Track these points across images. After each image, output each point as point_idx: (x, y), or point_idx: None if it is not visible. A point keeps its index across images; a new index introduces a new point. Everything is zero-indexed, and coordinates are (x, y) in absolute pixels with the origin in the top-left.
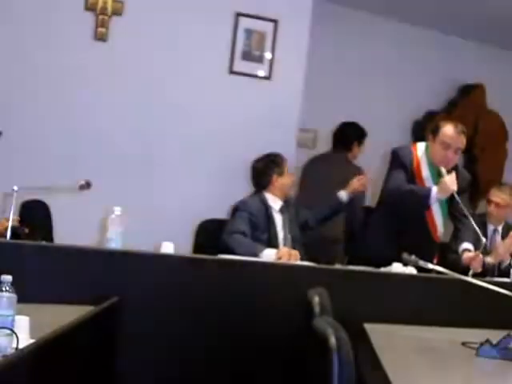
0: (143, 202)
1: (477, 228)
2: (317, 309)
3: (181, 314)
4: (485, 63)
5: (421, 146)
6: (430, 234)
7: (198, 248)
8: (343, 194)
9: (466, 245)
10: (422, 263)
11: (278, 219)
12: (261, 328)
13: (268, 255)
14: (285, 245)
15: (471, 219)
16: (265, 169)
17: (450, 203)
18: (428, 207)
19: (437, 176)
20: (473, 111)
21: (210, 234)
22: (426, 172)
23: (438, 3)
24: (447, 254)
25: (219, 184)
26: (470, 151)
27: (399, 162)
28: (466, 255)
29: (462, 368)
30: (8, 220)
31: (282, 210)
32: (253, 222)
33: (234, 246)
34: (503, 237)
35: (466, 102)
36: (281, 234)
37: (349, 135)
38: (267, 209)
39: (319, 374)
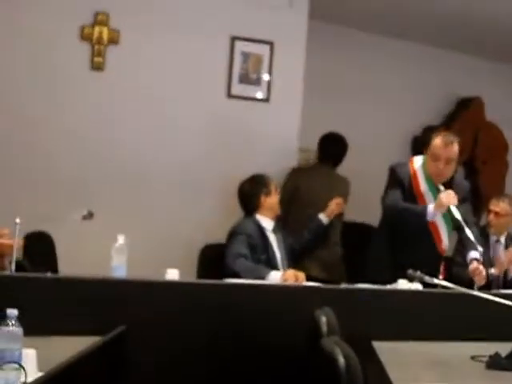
0: (144, 229)
1: (471, 236)
2: (324, 329)
3: (189, 341)
4: (482, 76)
5: (418, 161)
6: (436, 247)
7: (201, 274)
8: (323, 217)
9: (474, 253)
10: (427, 279)
11: (273, 239)
12: (268, 351)
13: (274, 278)
14: (283, 264)
15: (466, 228)
16: (252, 191)
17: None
18: (427, 223)
19: (435, 190)
20: (472, 124)
21: (213, 259)
22: (423, 186)
23: (432, 19)
24: (452, 267)
25: (220, 208)
26: (471, 164)
27: (395, 178)
28: (472, 266)
29: (472, 381)
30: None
31: (274, 231)
32: (251, 244)
33: (240, 271)
34: (507, 247)
35: (464, 116)
36: (278, 254)
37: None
38: (262, 230)
39: None
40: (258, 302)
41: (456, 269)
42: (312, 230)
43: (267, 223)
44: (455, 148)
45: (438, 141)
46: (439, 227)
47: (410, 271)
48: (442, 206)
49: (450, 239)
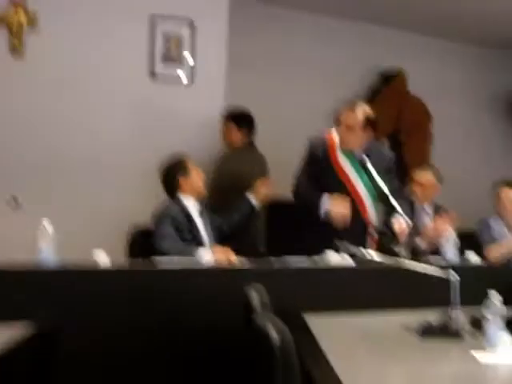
0: (70, 215)
1: (397, 207)
2: (256, 305)
3: (121, 325)
4: (404, 49)
5: (334, 133)
6: (362, 219)
7: (130, 257)
8: (253, 198)
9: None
10: (353, 249)
11: (199, 221)
12: (202, 332)
13: (203, 255)
14: (210, 245)
15: (391, 199)
16: (169, 174)
17: (376, 185)
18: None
19: (355, 160)
20: (395, 97)
21: (142, 242)
22: (341, 157)
23: None
24: (382, 238)
25: (147, 191)
26: (396, 137)
27: (309, 154)
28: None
29: (405, 349)
30: None
31: (200, 211)
32: (176, 226)
33: (169, 251)
34: (432, 217)
35: (388, 89)
36: (204, 234)
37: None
38: (186, 211)
39: (264, 369)
40: (189, 285)
41: (384, 239)
42: (242, 212)
43: (191, 203)
44: (356, 115)
45: (342, 109)
46: (363, 198)
47: (337, 242)
48: (333, 207)
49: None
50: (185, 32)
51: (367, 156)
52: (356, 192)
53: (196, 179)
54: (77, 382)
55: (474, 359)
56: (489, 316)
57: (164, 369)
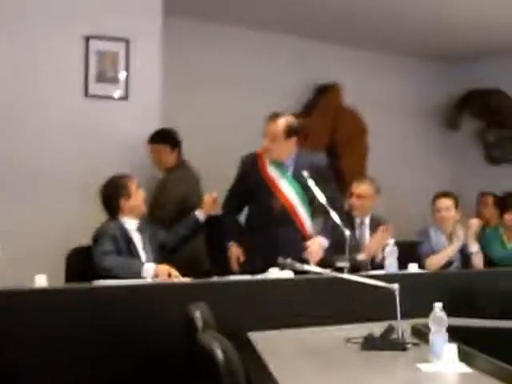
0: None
1: (337, 219)
2: (199, 323)
3: (61, 347)
4: (339, 63)
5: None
6: (298, 229)
7: (69, 278)
8: (200, 214)
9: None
10: (298, 266)
11: (138, 240)
12: (146, 352)
13: (149, 269)
14: None
15: (331, 210)
16: (111, 195)
17: (313, 200)
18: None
19: (284, 170)
20: (330, 110)
21: (81, 263)
22: (272, 171)
23: (288, 8)
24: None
25: (85, 210)
26: (332, 149)
27: (241, 171)
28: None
29: (349, 363)
30: None
31: (139, 229)
32: (116, 246)
33: (112, 267)
34: (371, 229)
35: (323, 102)
36: (143, 255)
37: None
38: (125, 232)
39: None
40: (130, 303)
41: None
42: (187, 227)
43: (131, 224)
44: (277, 125)
45: (266, 119)
46: (297, 209)
47: (281, 259)
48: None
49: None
50: (119, 51)
51: (296, 165)
52: (289, 203)
53: (137, 200)
54: None
55: (418, 370)
56: (433, 328)
57: None
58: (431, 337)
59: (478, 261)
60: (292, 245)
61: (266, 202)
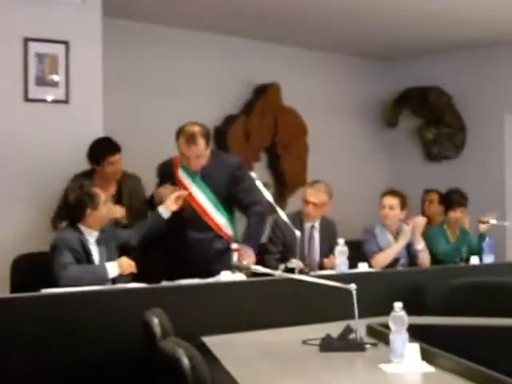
0: None
1: (285, 219)
2: (157, 330)
3: (14, 358)
4: (277, 62)
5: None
6: (213, 232)
7: (16, 287)
8: (163, 210)
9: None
10: (254, 268)
11: (95, 252)
12: (102, 361)
13: (112, 270)
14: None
15: (278, 210)
16: (77, 202)
17: (228, 201)
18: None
19: (191, 175)
20: (270, 110)
21: (28, 270)
22: (180, 173)
23: (227, 7)
24: (264, 254)
25: (30, 215)
26: (273, 150)
27: (159, 176)
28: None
29: (308, 365)
30: None
31: (98, 241)
32: (74, 257)
33: (75, 276)
34: (320, 232)
35: (262, 102)
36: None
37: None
38: (84, 243)
39: None
40: (82, 310)
41: (269, 257)
42: (152, 223)
43: (91, 235)
44: (200, 144)
45: (182, 142)
46: (209, 212)
47: (236, 262)
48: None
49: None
50: (59, 53)
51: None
52: (200, 207)
53: (103, 214)
54: None
55: (380, 371)
56: (393, 327)
57: None
58: (392, 336)
59: (424, 257)
60: (203, 246)
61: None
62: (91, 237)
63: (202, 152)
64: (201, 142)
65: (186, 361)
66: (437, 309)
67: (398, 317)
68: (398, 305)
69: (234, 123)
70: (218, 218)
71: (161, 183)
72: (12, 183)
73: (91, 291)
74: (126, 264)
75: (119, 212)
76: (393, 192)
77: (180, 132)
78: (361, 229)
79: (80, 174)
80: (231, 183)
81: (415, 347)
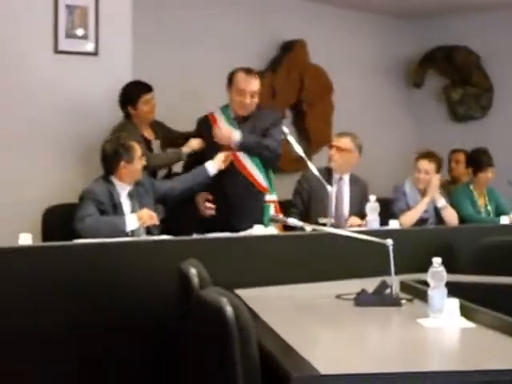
0: None
1: (316, 172)
2: (195, 280)
3: (53, 306)
4: (304, 19)
5: (217, 112)
6: (256, 190)
7: (47, 236)
8: (211, 168)
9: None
10: (290, 221)
11: (127, 205)
12: (139, 311)
13: (131, 222)
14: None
15: (309, 164)
16: (113, 153)
17: None
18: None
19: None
20: (296, 67)
21: (59, 220)
22: (222, 126)
23: None
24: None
25: (60, 168)
26: (298, 107)
27: (196, 132)
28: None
29: (345, 318)
30: None
31: (131, 195)
32: (100, 210)
33: (93, 228)
34: (350, 188)
35: (288, 59)
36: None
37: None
38: (113, 196)
39: (217, 346)
40: (116, 261)
41: (293, 209)
42: (196, 178)
43: (122, 188)
44: (257, 81)
45: (242, 75)
46: (250, 169)
47: (272, 215)
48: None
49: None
50: (89, 5)
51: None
52: (238, 158)
53: (137, 168)
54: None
55: (418, 325)
56: (432, 283)
57: (100, 352)
58: (430, 292)
59: (448, 214)
60: (244, 197)
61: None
62: (123, 190)
63: (257, 90)
64: (258, 82)
65: (229, 309)
66: (466, 267)
67: (437, 272)
68: (436, 260)
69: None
70: (255, 170)
71: (201, 136)
72: (42, 135)
73: (123, 242)
74: (147, 215)
75: (148, 218)
76: (429, 156)
77: (235, 71)
78: (384, 188)
79: (121, 123)
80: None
81: (455, 302)
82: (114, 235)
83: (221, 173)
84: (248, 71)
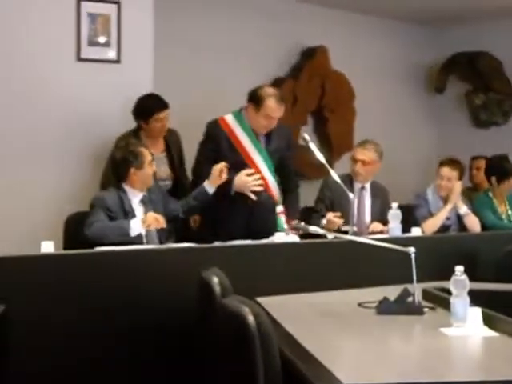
0: (10, 203)
1: (338, 179)
2: (217, 289)
3: (74, 314)
4: (325, 25)
5: (229, 117)
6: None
7: (69, 244)
8: (208, 186)
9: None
10: (312, 229)
11: (140, 211)
12: (161, 318)
13: (136, 226)
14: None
15: (332, 172)
16: (122, 161)
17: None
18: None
19: (256, 140)
20: (318, 74)
21: (81, 228)
22: (245, 141)
23: None
24: (313, 217)
25: (79, 174)
26: (320, 113)
27: (209, 137)
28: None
29: (368, 327)
30: None
31: (143, 201)
32: (109, 217)
33: (99, 233)
34: (372, 196)
35: (310, 65)
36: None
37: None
38: (124, 202)
39: (239, 354)
40: (136, 270)
41: (314, 216)
42: (197, 198)
43: (134, 195)
44: (284, 105)
45: (273, 102)
46: (265, 175)
47: (295, 223)
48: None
49: None
50: (111, 13)
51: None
52: (256, 166)
53: (147, 173)
54: (33, 361)
55: (441, 334)
56: (455, 291)
57: (116, 353)
58: (453, 300)
59: (470, 221)
60: (264, 210)
61: (236, 167)
62: (135, 197)
63: (280, 115)
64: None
65: (251, 318)
66: (489, 275)
67: (460, 280)
68: (459, 268)
69: (281, 86)
70: (271, 179)
71: (210, 142)
72: (64, 142)
73: (143, 250)
74: (152, 218)
75: (153, 220)
76: (451, 163)
77: (265, 95)
78: (406, 194)
79: (127, 133)
80: (286, 149)
81: (477, 311)
82: (122, 239)
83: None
84: (280, 100)
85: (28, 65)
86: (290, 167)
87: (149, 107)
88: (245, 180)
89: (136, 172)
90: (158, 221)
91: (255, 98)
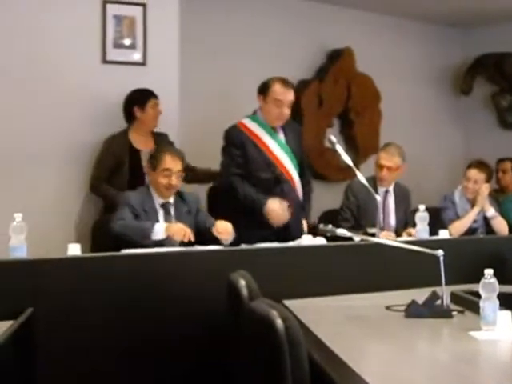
0: (34, 207)
1: (364, 181)
2: (245, 292)
3: (100, 317)
4: (350, 27)
5: (246, 120)
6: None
7: (96, 246)
8: (161, 231)
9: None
10: (339, 232)
11: (160, 215)
12: (188, 321)
13: (159, 230)
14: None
15: (359, 174)
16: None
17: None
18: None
19: (273, 133)
20: (344, 76)
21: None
22: (266, 139)
23: None
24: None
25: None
26: (346, 115)
27: (234, 142)
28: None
29: (396, 330)
30: None
31: (164, 207)
32: (134, 214)
33: (123, 231)
34: (396, 198)
35: (335, 68)
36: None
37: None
38: (145, 203)
39: (267, 359)
40: (163, 272)
41: (342, 222)
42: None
43: (156, 198)
44: (293, 91)
45: (279, 86)
46: (292, 174)
47: (322, 225)
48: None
49: None
50: (136, 15)
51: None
52: (280, 162)
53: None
54: (60, 365)
55: (470, 337)
56: (484, 294)
57: (142, 358)
58: (482, 303)
59: (497, 224)
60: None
61: (263, 170)
62: (157, 200)
63: (292, 100)
64: (293, 88)
65: (280, 322)
66: None
67: (489, 283)
68: (488, 271)
69: (307, 88)
70: (295, 175)
71: (235, 148)
72: (92, 145)
73: (170, 253)
74: (176, 229)
75: (178, 232)
76: (479, 165)
77: (270, 81)
78: (433, 196)
79: (115, 133)
80: (298, 143)
81: (507, 315)
82: (143, 240)
83: (277, 181)
84: (284, 81)
85: (54, 67)
86: (302, 160)
87: (144, 93)
88: (278, 214)
89: (152, 174)
90: (184, 233)
91: (262, 88)
